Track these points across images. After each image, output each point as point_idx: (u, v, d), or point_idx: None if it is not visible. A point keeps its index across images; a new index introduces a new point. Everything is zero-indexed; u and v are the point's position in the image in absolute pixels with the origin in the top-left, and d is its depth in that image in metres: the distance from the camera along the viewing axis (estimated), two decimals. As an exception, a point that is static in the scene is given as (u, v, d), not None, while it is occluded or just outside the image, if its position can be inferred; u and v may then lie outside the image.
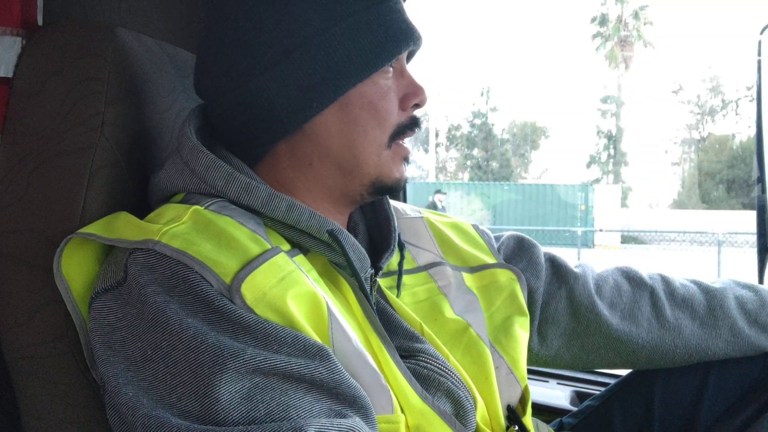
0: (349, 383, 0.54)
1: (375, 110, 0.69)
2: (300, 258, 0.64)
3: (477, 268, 0.84)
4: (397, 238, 0.76)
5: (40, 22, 0.83)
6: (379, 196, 0.74)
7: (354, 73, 0.67)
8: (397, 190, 0.73)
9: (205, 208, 0.62)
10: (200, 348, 0.51)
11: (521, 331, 0.80)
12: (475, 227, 0.90)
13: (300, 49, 0.65)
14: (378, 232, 0.79)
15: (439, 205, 11.85)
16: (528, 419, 0.78)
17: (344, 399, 0.54)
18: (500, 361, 0.76)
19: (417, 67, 0.77)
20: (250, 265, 0.56)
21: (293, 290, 0.57)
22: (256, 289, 0.55)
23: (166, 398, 0.51)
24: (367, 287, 0.69)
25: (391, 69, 0.70)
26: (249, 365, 0.51)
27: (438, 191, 12.50)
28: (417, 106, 0.73)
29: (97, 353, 0.56)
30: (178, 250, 0.55)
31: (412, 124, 0.73)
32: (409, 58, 0.75)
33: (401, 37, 0.69)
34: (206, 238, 0.58)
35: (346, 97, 0.68)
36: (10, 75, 0.73)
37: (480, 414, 0.70)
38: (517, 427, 0.75)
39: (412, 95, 0.72)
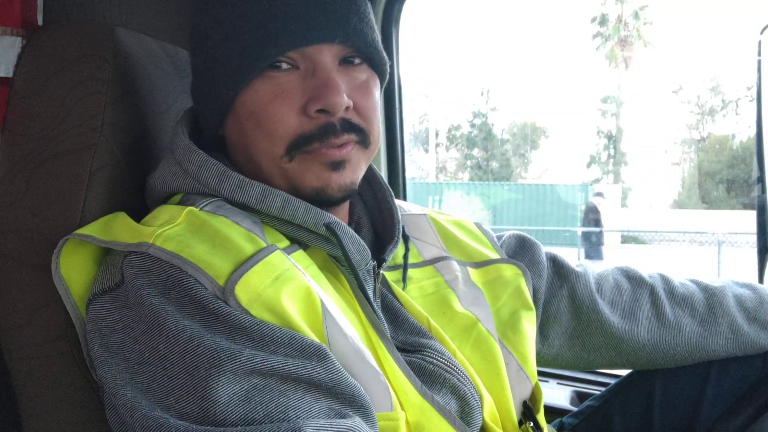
0: (348, 382, 0.54)
1: (257, 120, 0.63)
2: (299, 254, 0.64)
3: (482, 264, 0.83)
4: (401, 230, 0.75)
5: (40, 22, 0.83)
6: (327, 206, 0.67)
7: (228, 82, 0.64)
8: (330, 198, 0.66)
9: (200, 208, 0.61)
10: (197, 350, 0.51)
11: (528, 325, 0.80)
12: (478, 225, 0.90)
13: (199, 56, 0.68)
14: (382, 227, 0.79)
15: (600, 209, 11.32)
16: (541, 416, 0.78)
17: (343, 398, 0.54)
18: (509, 357, 0.76)
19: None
20: (243, 266, 0.56)
21: (288, 288, 0.57)
22: (250, 290, 0.55)
23: (164, 400, 0.51)
24: (371, 280, 0.69)
25: (278, 74, 0.63)
26: (246, 366, 0.51)
27: (598, 194, 11.39)
28: (326, 111, 0.63)
29: (96, 355, 0.56)
30: (172, 252, 0.55)
31: (323, 133, 0.63)
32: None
33: (271, 39, 0.62)
34: (200, 240, 0.58)
35: (233, 106, 0.65)
36: (10, 75, 0.73)
37: (488, 411, 0.70)
38: (532, 424, 0.75)
39: (314, 100, 0.62)
